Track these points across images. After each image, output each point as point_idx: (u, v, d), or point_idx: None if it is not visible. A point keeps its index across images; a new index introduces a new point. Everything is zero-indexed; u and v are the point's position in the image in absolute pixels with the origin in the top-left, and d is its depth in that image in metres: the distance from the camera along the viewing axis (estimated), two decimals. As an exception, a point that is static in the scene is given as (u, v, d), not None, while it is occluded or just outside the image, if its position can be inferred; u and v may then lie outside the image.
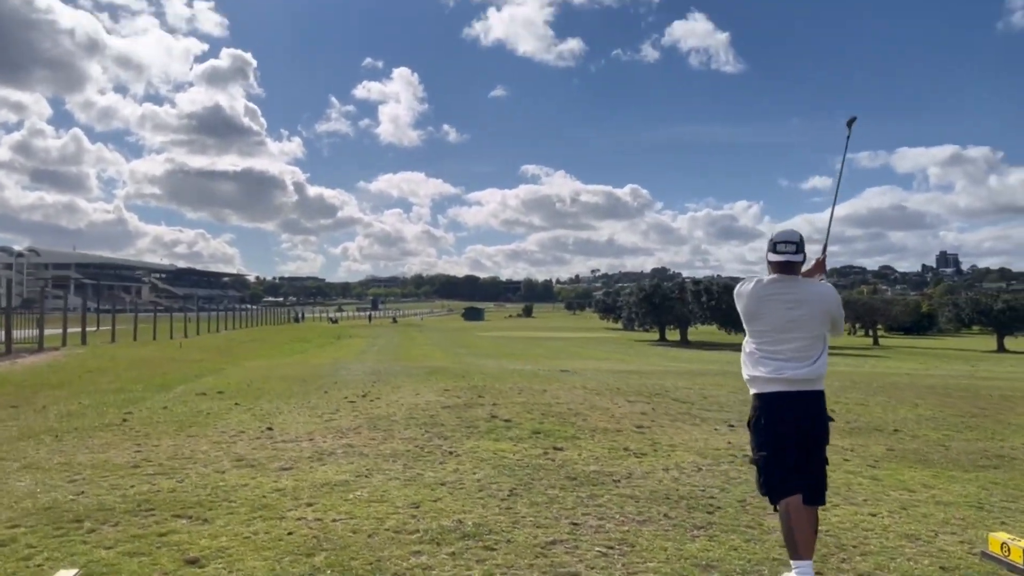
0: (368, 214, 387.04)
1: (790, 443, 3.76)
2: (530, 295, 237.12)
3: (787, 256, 3.89)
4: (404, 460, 6.65)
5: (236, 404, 10.19)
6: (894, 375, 17.33)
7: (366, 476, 6.04)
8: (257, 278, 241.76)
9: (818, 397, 3.84)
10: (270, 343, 31.90)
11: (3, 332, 19.63)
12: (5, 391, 11.58)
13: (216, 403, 10.36)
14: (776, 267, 3.94)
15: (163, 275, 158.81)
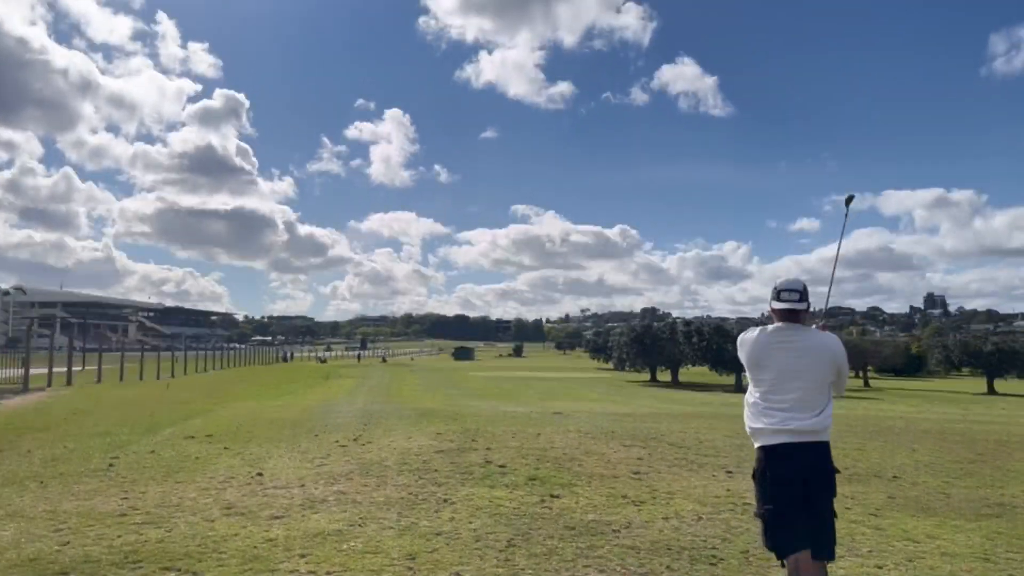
0: (358, 253, 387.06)
1: (796, 496, 3.68)
2: (520, 334, 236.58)
3: (791, 304, 3.86)
4: (398, 508, 6.51)
5: (225, 448, 10.01)
6: (888, 418, 17.26)
7: (360, 525, 5.90)
8: (246, 317, 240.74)
9: (824, 448, 3.77)
10: (258, 383, 31.56)
11: (-12, 372, 19.34)
12: (-12, 434, 11.34)
13: (204, 447, 10.17)
14: (780, 315, 3.91)
15: (150, 314, 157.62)
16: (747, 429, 3.93)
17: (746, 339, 3.98)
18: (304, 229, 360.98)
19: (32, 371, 21.71)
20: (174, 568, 4.71)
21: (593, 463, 9.04)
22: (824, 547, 3.68)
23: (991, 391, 51.63)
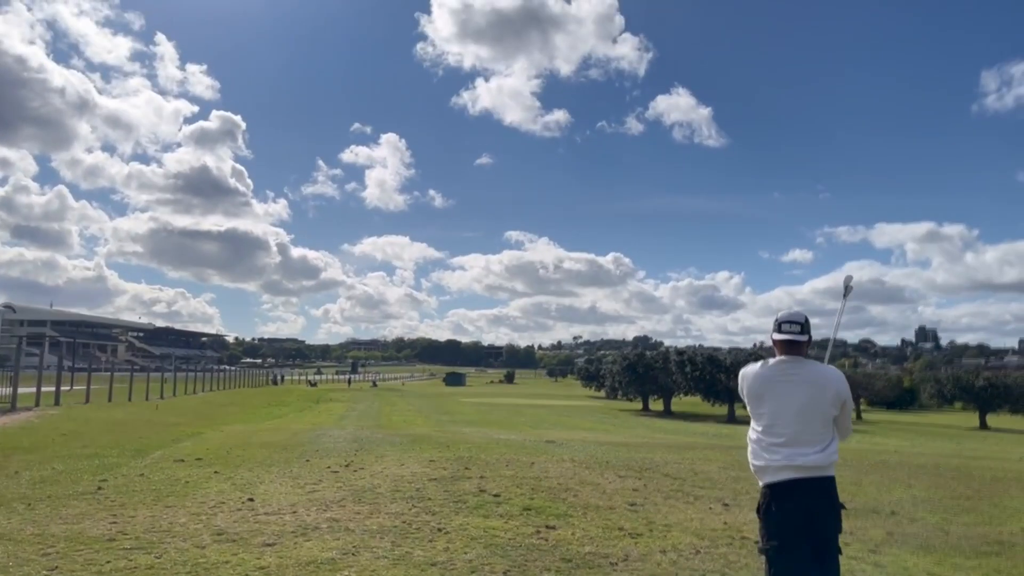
0: (351, 276, 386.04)
1: (802, 532, 3.64)
2: (512, 360, 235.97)
3: (792, 335, 3.84)
4: (392, 537, 6.41)
5: (215, 472, 9.88)
6: (883, 452, 17.22)
7: (353, 554, 5.80)
8: (236, 338, 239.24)
9: (829, 483, 3.74)
10: (248, 406, 31.34)
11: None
12: (-25, 453, 11.18)
13: (194, 471, 10.04)
14: (781, 347, 3.88)
15: (140, 334, 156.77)
16: (751, 467, 3.88)
17: (747, 373, 3.95)
18: (297, 251, 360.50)
19: (20, 390, 21.47)
20: (164, 596, 4.61)
21: (588, 493, 8.95)
22: (829, 585, 3.63)
23: (983, 426, 51.69)
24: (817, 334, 4.76)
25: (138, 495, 8.08)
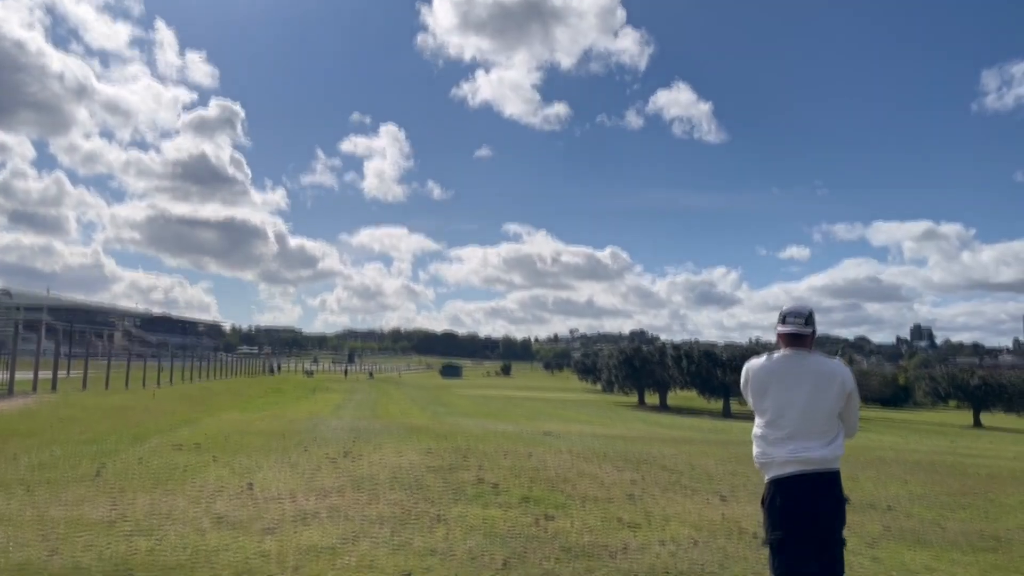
0: (348, 267, 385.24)
1: (806, 524, 3.65)
2: (508, 353, 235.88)
3: (797, 328, 3.84)
4: (391, 525, 6.43)
5: (214, 459, 9.88)
6: (878, 449, 17.27)
7: (353, 541, 5.82)
8: (233, 327, 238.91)
9: (834, 477, 3.74)
10: (245, 395, 31.33)
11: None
12: (-28, 437, 11.17)
13: (193, 457, 10.04)
14: (786, 340, 3.88)
15: (137, 321, 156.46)
16: (756, 462, 3.88)
17: (752, 366, 3.95)
18: (295, 241, 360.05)
19: (16, 375, 21.43)
20: (165, 579, 4.62)
21: (586, 485, 8.98)
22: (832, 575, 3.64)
23: (977, 424, 51.85)
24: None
25: (137, 480, 8.08)
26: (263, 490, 7.75)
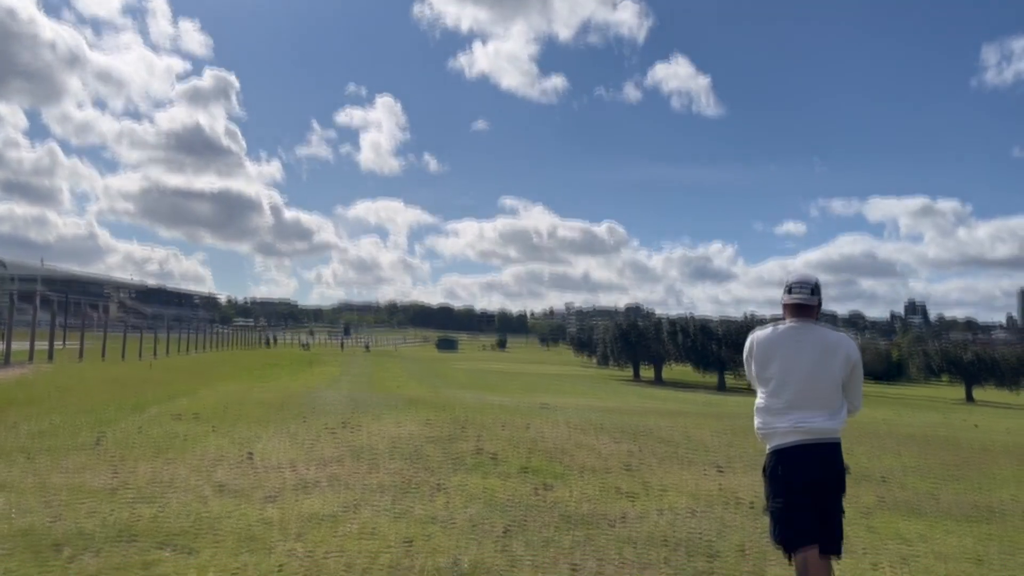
0: (344, 240, 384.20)
1: (807, 493, 3.68)
2: (504, 327, 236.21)
3: (802, 298, 3.83)
4: (392, 493, 6.48)
5: (213, 429, 9.91)
6: (871, 422, 17.38)
7: (354, 509, 5.86)
8: (228, 299, 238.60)
9: (835, 447, 3.76)
10: (242, 366, 31.37)
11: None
12: (-29, 406, 11.17)
13: (192, 427, 10.07)
14: (791, 310, 3.87)
15: (132, 293, 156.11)
16: (757, 434, 3.89)
17: (757, 336, 3.94)
18: (290, 213, 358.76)
19: (12, 346, 21.41)
20: (170, 545, 4.66)
21: (584, 456, 9.04)
22: (832, 543, 3.69)
23: (969, 399, 52.29)
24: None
25: (137, 449, 8.11)
26: (263, 459, 7.79)
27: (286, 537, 4.99)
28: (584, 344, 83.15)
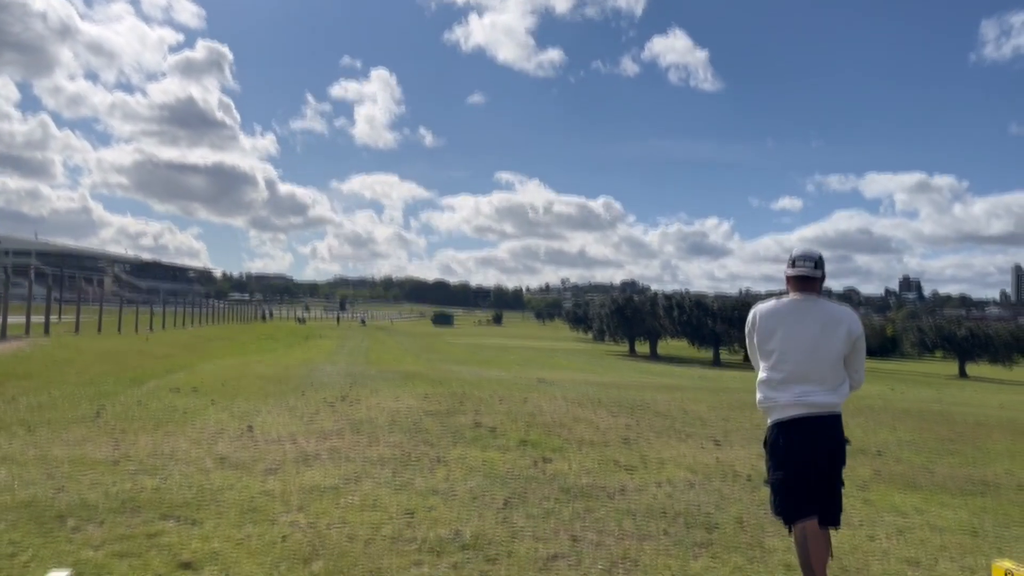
0: (339, 214, 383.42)
1: (807, 465, 3.71)
2: (500, 302, 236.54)
3: (806, 270, 3.84)
4: (392, 466, 6.52)
5: (212, 402, 9.94)
6: (866, 397, 17.50)
7: (355, 481, 5.90)
8: (224, 274, 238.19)
9: (836, 420, 3.78)
10: (238, 341, 31.38)
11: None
12: (-31, 379, 11.18)
13: (191, 400, 10.10)
14: (794, 282, 3.87)
15: (127, 267, 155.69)
16: (760, 408, 3.91)
17: (760, 309, 3.95)
18: (285, 188, 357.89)
19: (8, 320, 21.36)
20: (173, 516, 4.68)
21: (582, 429, 9.09)
22: (831, 515, 3.73)
23: (962, 374, 52.65)
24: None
25: (138, 422, 8.13)
26: (263, 433, 7.82)
27: (288, 508, 5.02)
28: (580, 319, 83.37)
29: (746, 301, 56.79)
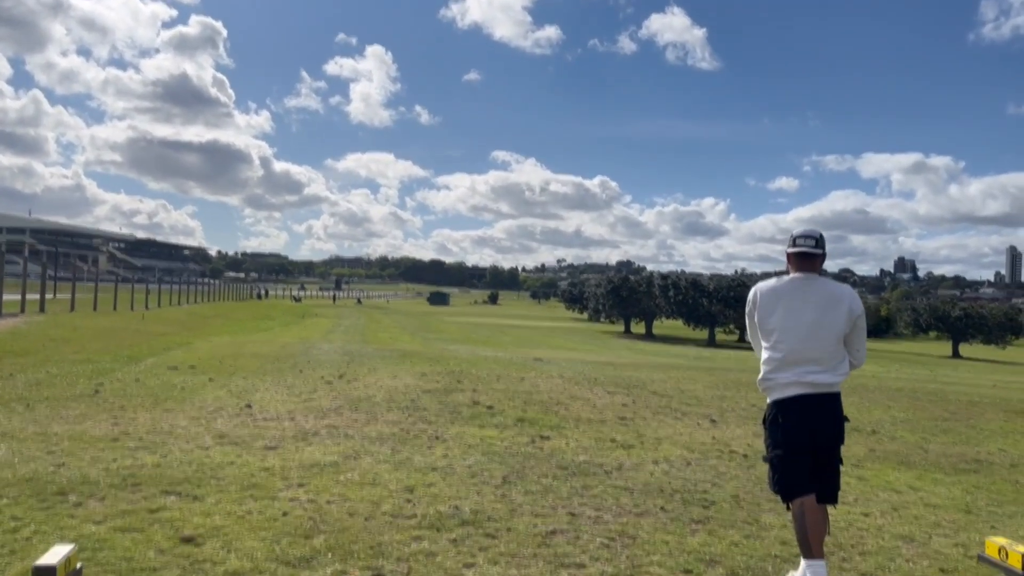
0: (335, 193, 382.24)
1: (806, 443, 3.73)
2: (495, 282, 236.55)
3: (807, 248, 3.83)
4: (391, 443, 6.55)
5: (210, 380, 9.97)
6: (861, 377, 17.61)
7: (354, 458, 5.93)
8: (219, 252, 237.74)
9: (836, 398, 3.81)
10: (234, 319, 31.39)
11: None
12: (-34, 357, 11.18)
13: (189, 378, 10.12)
14: (795, 260, 3.86)
15: (121, 245, 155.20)
16: (760, 387, 3.91)
17: (761, 287, 3.95)
18: (280, 166, 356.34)
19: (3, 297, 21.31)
20: (174, 492, 4.71)
21: (579, 408, 9.14)
22: (829, 492, 3.76)
23: (956, 355, 52.92)
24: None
25: (136, 399, 8.16)
26: (262, 410, 7.85)
27: (289, 485, 5.05)
28: (576, 299, 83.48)
29: (742, 281, 56.84)
